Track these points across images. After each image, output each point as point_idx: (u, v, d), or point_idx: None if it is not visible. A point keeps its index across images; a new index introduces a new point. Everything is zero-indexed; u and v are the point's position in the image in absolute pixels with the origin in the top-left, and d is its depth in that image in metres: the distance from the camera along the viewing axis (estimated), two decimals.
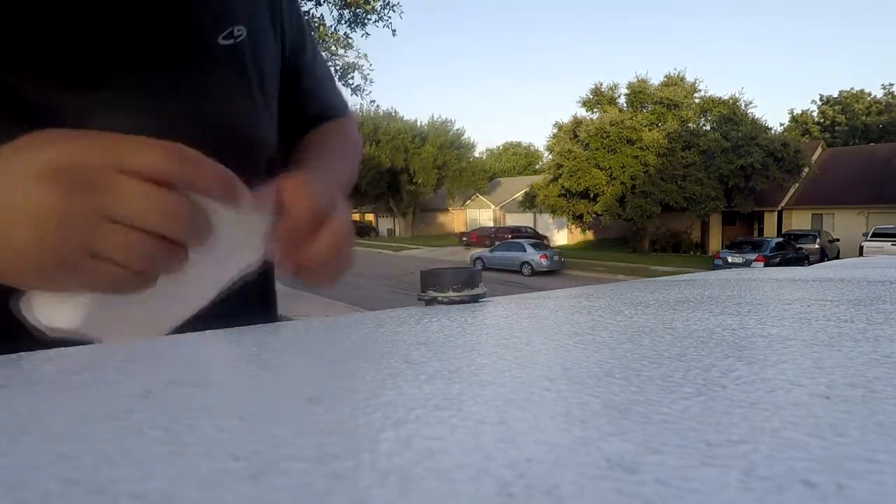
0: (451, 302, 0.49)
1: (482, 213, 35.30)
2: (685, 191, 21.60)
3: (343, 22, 8.02)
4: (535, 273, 17.20)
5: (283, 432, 0.17)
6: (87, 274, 0.31)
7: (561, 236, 30.65)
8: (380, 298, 11.33)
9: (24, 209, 0.31)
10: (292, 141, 0.63)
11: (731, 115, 23.00)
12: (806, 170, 22.70)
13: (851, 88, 39.42)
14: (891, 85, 38.89)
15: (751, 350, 0.28)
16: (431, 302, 0.50)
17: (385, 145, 30.27)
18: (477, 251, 21.46)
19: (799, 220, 23.58)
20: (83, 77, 0.44)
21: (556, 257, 18.10)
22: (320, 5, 7.70)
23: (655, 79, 25.28)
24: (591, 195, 22.97)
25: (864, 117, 37.64)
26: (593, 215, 23.88)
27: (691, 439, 0.16)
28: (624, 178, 22.16)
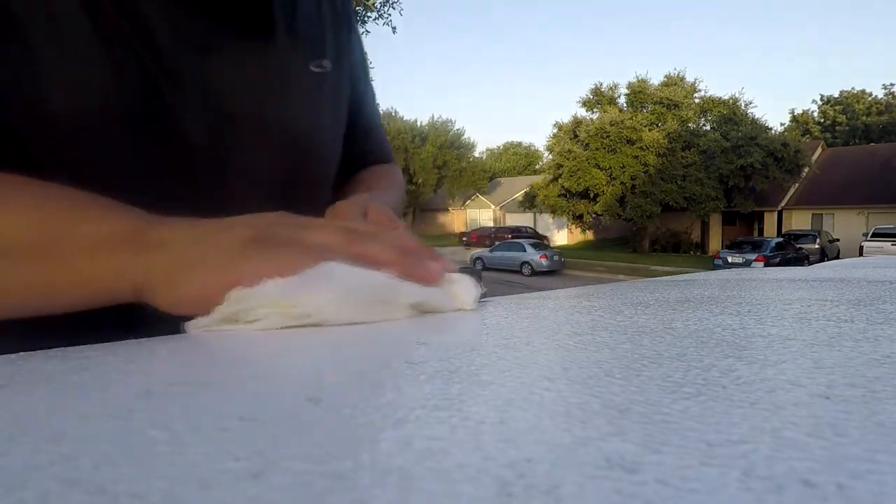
0: None
1: (482, 213, 35.29)
2: (685, 191, 21.60)
3: None
4: (535, 273, 17.20)
5: (283, 432, 0.17)
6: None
7: (561, 236, 30.65)
8: None
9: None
10: (342, 175, 0.69)
11: (731, 115, 23.00)
12: (806, 170, 22.70)
13: (852, 88, 39.44)
14: (891, 85, 38.91)
15: (751, 350, 0.28)
16: None
17: None
18: (477, 251, 21.46)
19: (799, 220, 23.58)
20: (211, 102, 0.51)
21: (556, 257, 18.11)
22: None
23: (655, 79, 25.29)
24: (591, 195, 22.97)
25: (864, 117, 37.64)
26: (593, 215, 23.88)
27: (691, 439, 0.16)
28: (624, 178, 22.17)
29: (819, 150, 25.87)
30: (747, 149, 20.46)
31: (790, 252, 16.62)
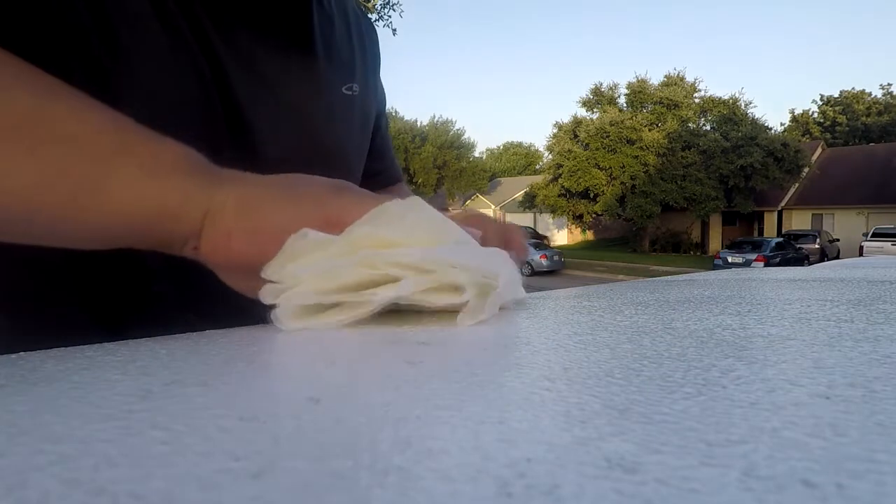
0: None
1: None
2: (685, 191, 21.59)
3: None
4: (535, 273, 17.19)
5: (283, 432, 0.17)
6: None
7: (561, 236, 30.63)
8: None
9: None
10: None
11: (731, 115, 22.99)
12: (806, 170, 22.68)
13: (852, 88, 39.42)
14: (889, 85, 38.90)
15: (751, 350, 0.28)
16: None
17: None
18: None
19: (799, 220, 23.56)
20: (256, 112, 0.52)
21: (556, 257, 18.09)
22: None
23: (655, 79, 25.27)
24: (591, 195, 22.96)
25: (864, 117, 37.64)
26: (593, 215, 23.87)
27: (691, 439, 0.16)
28: (624, 178, 22.15)
29: (819, 151, 25.87)
30: (747, 149, 20.45)
31: (790, 252, 16.62)
